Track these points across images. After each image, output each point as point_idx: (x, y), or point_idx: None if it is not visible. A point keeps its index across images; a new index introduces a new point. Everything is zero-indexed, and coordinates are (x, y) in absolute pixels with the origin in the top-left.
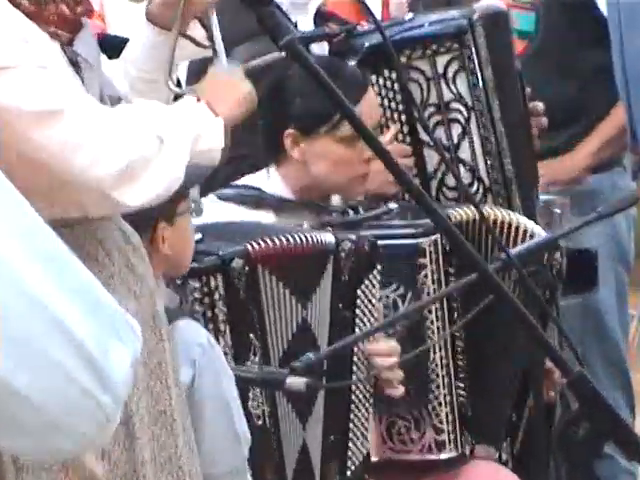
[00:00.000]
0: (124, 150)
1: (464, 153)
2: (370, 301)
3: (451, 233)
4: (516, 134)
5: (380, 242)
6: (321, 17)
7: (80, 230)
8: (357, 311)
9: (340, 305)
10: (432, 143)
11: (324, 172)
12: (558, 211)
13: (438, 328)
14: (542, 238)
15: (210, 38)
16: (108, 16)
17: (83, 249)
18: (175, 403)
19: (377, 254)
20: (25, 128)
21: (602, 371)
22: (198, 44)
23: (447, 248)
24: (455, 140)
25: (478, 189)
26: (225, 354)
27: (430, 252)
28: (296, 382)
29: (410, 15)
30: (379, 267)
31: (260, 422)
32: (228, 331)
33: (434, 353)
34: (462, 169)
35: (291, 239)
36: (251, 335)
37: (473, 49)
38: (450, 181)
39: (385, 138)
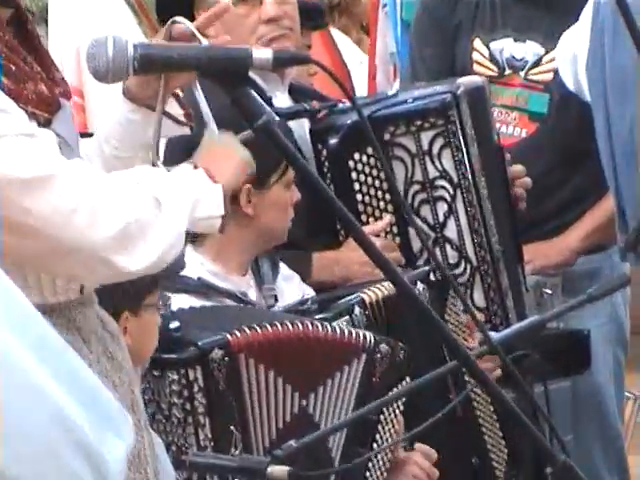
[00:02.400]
0: (121, 212)
1: (450, 232)
2: (395, 410)
3: (434, 322)
4: (502, 211)
5: None
6: (297, 92)
7: (59, 318)
8: (382, 418)
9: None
10: (418, 222)
11: (273, 221)
12: (549, 292)
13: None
14: (529, 321)
15: (187, 115)
16: (87, 91)
17: (62, 337)
18: None
19: (409, 364)
20: (16, 196)
21: (598, 454)
22: (178, 122)
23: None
24: (441, 218)
25: (465, 269)
26: (205, 447)
27: None
28: (278, 471)
29: (394, 90)
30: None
31: None
32: (208, 424)
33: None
34: (449, 248)
35: (292, 326)
36: (232, 427)
37: (458, 124)
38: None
39: (378, 226)
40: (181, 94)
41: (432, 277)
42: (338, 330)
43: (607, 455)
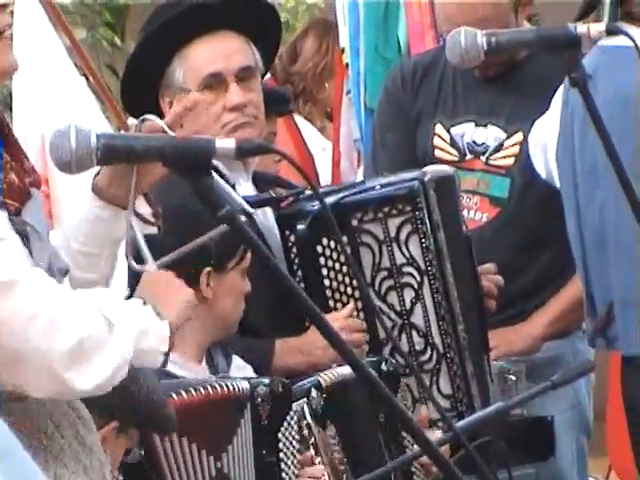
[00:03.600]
0: (75, 327)
1: (417, 318)
2: (291, 443)
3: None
4: (468, 298)
5: None
6: (261, 180)
7: (31, 403)
8: (281, 455)
9: (264, 451)
10: (385, 308)
11: (229, 308)
12: (513, 378)
13: None
14: (493, 408)
15: (155, 215)
16: (52, 179)
17: (34, 422)
18: None
19: (290, 394)
20: None
21: None
22: (146, 221)
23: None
24: (408, 305)
25: (432, 356)
26: None
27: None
28: None
29: (360, 176)
30: (294, 407)
31: None
32: None
33: None
34: (415, 335)
35: (195, 391)
36: None
37: (425, 211)
38: (403, 346)
39: (342, 313)
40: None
41: (384, 367)
42: (223, 386)
43: None
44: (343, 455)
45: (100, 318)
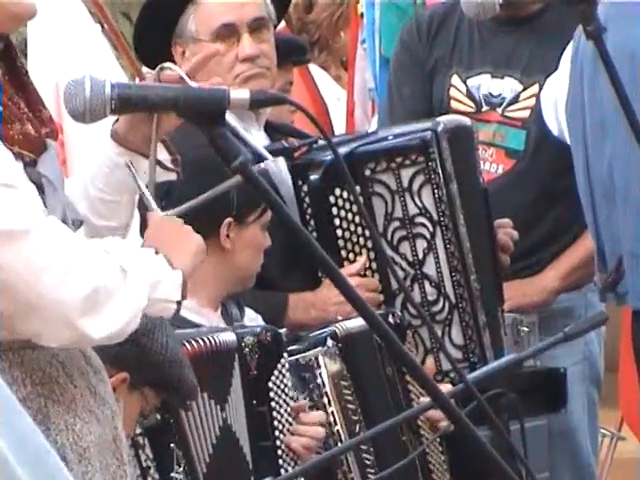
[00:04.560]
0: (89, 276)
1: (429, 268)
2: (283, 391)
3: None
4: (481, 250)
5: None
6: (274, 129)
7: (43, 353)
8: (272, 404)
9: (254, 402)
10: (397, 258)
11: (247, 260)
12: (526, 330)
13: None
14: (506, 359)
15: (174, 161)
16: (66, 129)
17: (45, 372)
18: None
19: (281, 343)
20: None
21: None
22: (165, 167)
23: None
24: (420, 255)
25: (444, 306)
26: (147, 467)
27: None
28: None
29: (373, 126)
30: (286, 356)
31: None
32: (147, 443)
33: None
34: (427, 285)
35: (199, 342)
36: (172, 445)
37: (438, 162)
38: (415, 297)
39: (355, 267)
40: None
41: (391, 320)
42: (210, 339)
43: None
44: (356, 405)
45: (114, 267)
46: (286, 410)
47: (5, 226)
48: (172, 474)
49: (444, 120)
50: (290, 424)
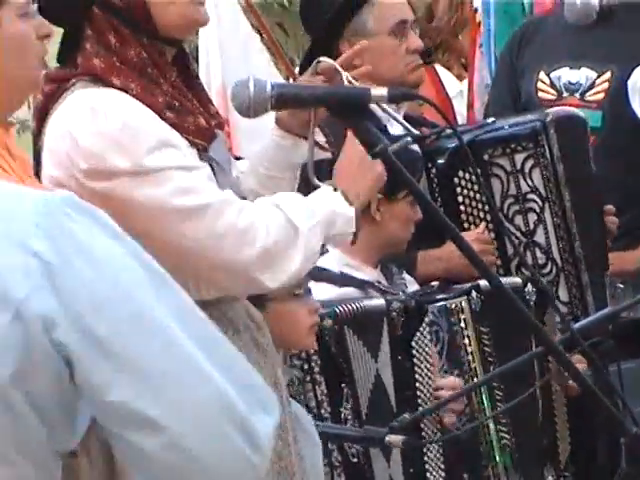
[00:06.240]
0: (263, 236)
1: (539, 237)
2: (424, 350)
3: (517, 307)
4: (587, 221)
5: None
6: (409, 121)
7: (213, 310)
8: (414, 360)
9: (399, 357)
10: (512, 229)
11: (396, 231)
12: (621, 286)
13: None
14: (604, 312)
15: (329, 142)
16: (233, 122)
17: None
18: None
19: (422, 309)
20: (176, 222)
21: None
22: (322, 147)
23: (477, 309)
24: (531, 226)
25: (551, 269)
26: (321, 402)
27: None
28: (395, 439)
29: (492, 118)
30: (427, 320)
31: (355, 460)
32: (323, 381)
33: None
34: (538, 251)
35: (351, 306)
36: (342, 384)
37: (546, 147)
38: (528, 261)
39: (477, 230)
40: None
41: (530, 287)
42: (363, 302)
43: None
44: (492, 350)
45: (285, 223)
46: (426, 366)
47: (189, 202)
48: (341, 409)
49: (552, 111)
50: (429, 377)
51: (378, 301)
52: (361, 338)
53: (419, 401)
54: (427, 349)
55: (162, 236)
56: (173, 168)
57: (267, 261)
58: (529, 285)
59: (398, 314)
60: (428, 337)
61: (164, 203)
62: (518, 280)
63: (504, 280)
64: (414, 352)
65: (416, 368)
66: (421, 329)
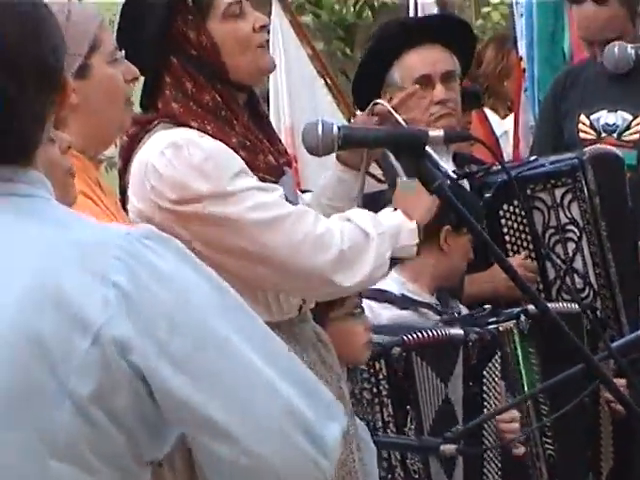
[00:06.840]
0: (338, 242)
1: (577, 264)
2: (494, 379)
3: (559, 327)
4: (621, 249)
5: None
6: (459, 158)
7: (283, 332)
8: (484, 387)
9: (470, 383)
10: (553, 257)
11: (458, 262)
12: None
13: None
14: (638, 333)
15: (385, 175)
16: (300, 159)
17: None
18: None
19: (497, 343)
20: (257, 234)
21: None
22: (378, 180)
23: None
24: (570, 254)
25: (589, 293)
26: (387, 422)
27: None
28: (449, 448)
29: (534, 156)
30: (499, 352)
31: (416, 476)
32: (390, 403)
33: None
34: (576, 277)
35: (433, 332)
36: (408, 407)
37: (584, 182)
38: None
39: (520, 257)
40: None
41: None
42: (443, 331)
43: None
44: (539, 369)
45: (357, 230)
46: (494, 394)
47: (268, 214)
48: (405, 429)
49: (589, 150)
50: (496, 405)
51: (456, 330)
52: (430, 364)
53: (485, 426)
54: (497, 379)
55: (247, 248)
56: (253, 189)
57: (343, 263)
58: (588, 312)
59: (474, 345)
60: (499, 368)
61: (246, 217)
62: (576, 307)
63: (561, 306)
64: (484, 380)
65: (485, 395)
66: (493, 360)
